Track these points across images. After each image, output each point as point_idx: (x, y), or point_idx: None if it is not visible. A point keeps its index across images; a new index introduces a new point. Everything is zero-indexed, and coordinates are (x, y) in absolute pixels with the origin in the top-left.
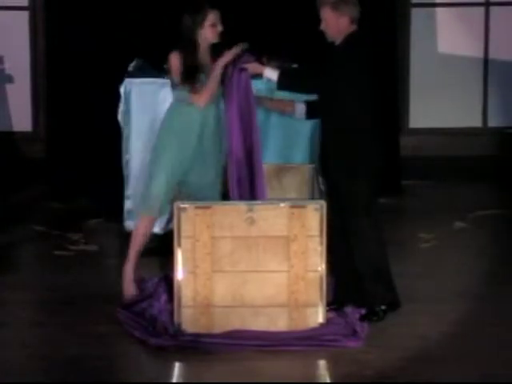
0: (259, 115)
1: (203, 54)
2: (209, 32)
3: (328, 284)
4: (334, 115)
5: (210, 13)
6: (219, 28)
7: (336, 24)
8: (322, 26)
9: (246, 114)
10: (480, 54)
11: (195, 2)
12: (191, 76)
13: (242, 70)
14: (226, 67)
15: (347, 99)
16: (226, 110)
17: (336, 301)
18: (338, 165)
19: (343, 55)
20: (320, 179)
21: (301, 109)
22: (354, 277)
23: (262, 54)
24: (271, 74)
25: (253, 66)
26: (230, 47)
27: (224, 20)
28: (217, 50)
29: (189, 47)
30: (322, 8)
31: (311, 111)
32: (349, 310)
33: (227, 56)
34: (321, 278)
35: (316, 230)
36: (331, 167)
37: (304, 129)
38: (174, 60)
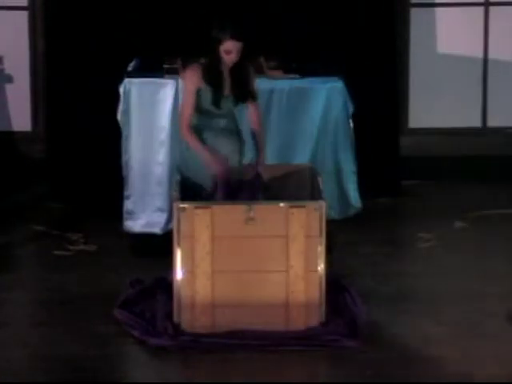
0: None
1: (224, 66)
2: (223, 55)
3: (327, 284)
4: None
5: (228, 41)
6: (234, 57)
7: None
8: None
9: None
10: (480, 53)
11: (223, 16)
12: (217, 82)
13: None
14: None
15: None
16: None
17: None
18: None
19: None
20: (320, 179)
21: None
22: None
23: (261, 54)
24: None
25: None
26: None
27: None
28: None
29: (212, 57)
30: None
31: None
32: (349, 309)
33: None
34: (321, 278)
35: (316, 229)
36: None
37: (304, 129)
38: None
